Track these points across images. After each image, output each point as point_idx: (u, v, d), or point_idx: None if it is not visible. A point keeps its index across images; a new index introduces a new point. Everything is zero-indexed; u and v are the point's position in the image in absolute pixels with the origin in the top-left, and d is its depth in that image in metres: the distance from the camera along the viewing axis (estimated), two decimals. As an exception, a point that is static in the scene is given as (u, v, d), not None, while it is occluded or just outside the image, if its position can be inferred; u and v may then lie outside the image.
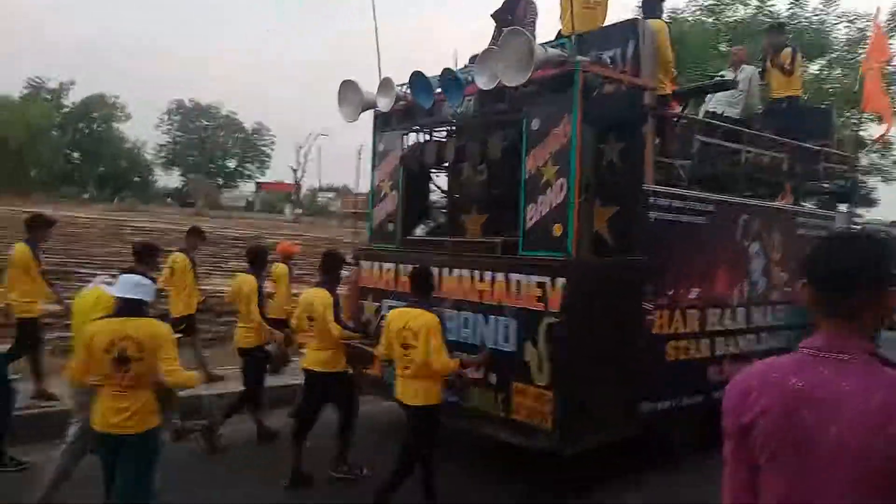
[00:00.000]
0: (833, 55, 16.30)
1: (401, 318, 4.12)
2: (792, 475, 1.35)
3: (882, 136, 8.82)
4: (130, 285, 3.30)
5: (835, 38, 16.64)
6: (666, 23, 5.42)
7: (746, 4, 17.21)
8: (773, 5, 16.98)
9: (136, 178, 57.60)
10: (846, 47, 16.52)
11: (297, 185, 55.32)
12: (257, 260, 5.59)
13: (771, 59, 7.12)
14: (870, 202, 19.02)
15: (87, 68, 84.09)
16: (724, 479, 1.48)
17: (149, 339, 3.16)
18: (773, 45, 7.24)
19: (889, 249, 1.38)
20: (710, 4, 17.33)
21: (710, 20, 17.10)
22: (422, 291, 4.20)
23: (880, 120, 9.99)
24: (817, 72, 16.24)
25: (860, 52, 15.53)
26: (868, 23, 16.03)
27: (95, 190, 50.13)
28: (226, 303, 5.72)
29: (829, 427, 1.31)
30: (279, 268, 7.33)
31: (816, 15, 16.73)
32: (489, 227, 5.74)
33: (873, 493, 1.26)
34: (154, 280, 5.39)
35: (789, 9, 16.85)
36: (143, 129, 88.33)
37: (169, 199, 51.18)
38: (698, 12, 17.57)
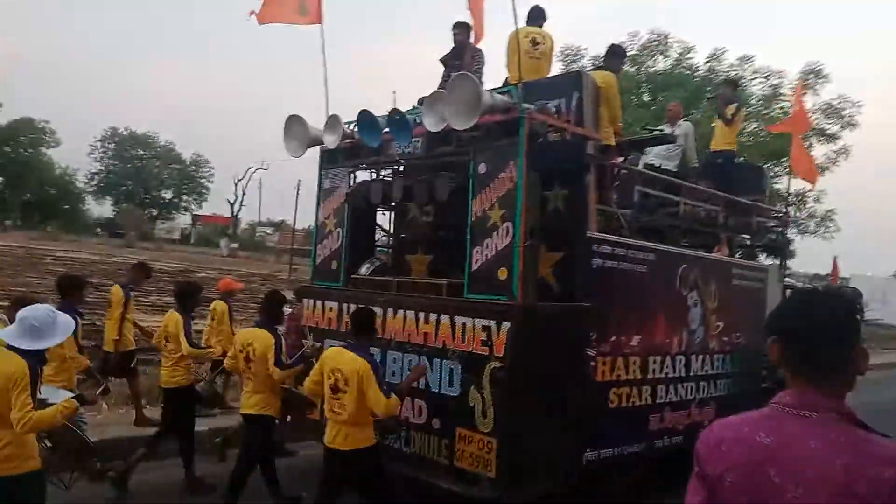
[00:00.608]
0: (749, 109, 16.96)
1: (334, 358, 4.07)
2: None
3: (811, 189, 9.47)
4: (24, 328, 3.08)
5: (751, 93, 17.39)
6: (615, 72, 5.68)
7: (667, 56, 17.95)
8: (691, 58, 17.93)
9: (65, 207, 55.15)
10: (761, 101, 17.36)
11: (235, 218, 54.38)
12: (184, 297, 5.39)
13: (718, 111, 7.57)
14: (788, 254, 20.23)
15: (14, 90, 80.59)
16: None
17: (2, 378, 2.96)
18: (724, 98, 7.70)
19: (859, 308, 1.42)
20: (633, 55, 17.94)
21: (632, 69, 17.72)
22: (360, 334, 4.16)
23: (794, 174, 10.47)
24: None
25: (774, 107, 16.56)
26: (780, 79, 17.22)
27: (20, 218, 47.44)
28: (153, 343, 5.46)
29: (794, 486, 1.31)
30: (219, 305, 7.12)
31: (734, 70, 17.49)
32: (434, 268, 5.75)
33: None
34: (80, 315, 5.16)
35: (707, 62, 17.81)
36: (75, 157, 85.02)
37: (99, 230, 48.95)
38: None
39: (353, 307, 5.36)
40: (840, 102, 17.47)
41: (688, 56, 17.95)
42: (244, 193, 54.44)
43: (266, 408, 4.58)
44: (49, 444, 3.43)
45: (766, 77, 17.67)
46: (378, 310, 5.16)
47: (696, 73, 17.54)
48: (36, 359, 3.11)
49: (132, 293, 6.65)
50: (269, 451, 4.59)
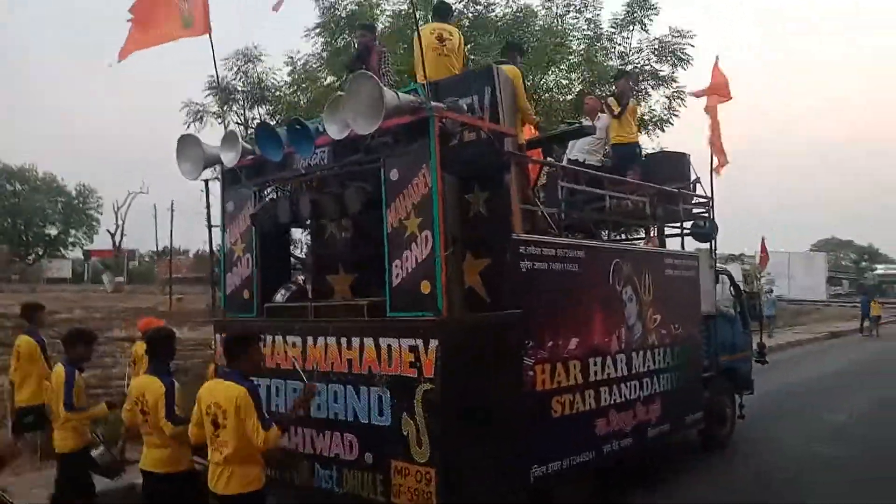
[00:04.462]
0: (573, 60, 13.98)
1: (210, 392, 3.86)
2: None
3: (719, 168, 9.08)
4: None
5: (573, 37, 14.27)
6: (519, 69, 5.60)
7: None
8: None
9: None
10: (583, 47, 14.14)
11: (117, 249, 51.39)
12: (71, 344, 4.90)
13: (626, 106, 7.61)
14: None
15: None
16: None
17: None
18: (631, 91, 7.74)
19: None
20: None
21: (419, 13, 12.50)
22: (233, 360, 3.98)
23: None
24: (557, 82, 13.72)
25: (595, 46, 14.01)
26: (597, 13, 14.16)
27: None
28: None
29: None
30: (140, 347, 6.72)
31: (546, 7, 14.21)
32: (359, 288, 5.50)
33: None
34: None
35: None
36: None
37: (-28, 275, 45.11)
38: (404, 4, 13.34)
39: (268, 340, 5.06)
40: (672, 37, 14.13)
41: None
42: (124, 221, 51.31)
43: (173, 465, 4.16)
44: None
45: (579, 11, 14.26)
46: (297, 339, 4.90)
47: (492, 11, 14.01)
48: None
49: (43, 339, 6.35)
50: None
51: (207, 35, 5.96)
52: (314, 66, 13.71)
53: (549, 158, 7.00)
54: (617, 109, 7.49)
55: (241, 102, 13.60)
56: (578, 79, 14.25)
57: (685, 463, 7.13)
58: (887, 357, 17.83)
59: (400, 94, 4.23)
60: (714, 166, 8.04)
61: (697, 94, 8.48)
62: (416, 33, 5.42)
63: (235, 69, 13.47)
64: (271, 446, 3.74)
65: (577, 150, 7.52)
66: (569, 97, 13.95)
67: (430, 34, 5.78)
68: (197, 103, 13.90)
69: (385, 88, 4.04)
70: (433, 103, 4.26)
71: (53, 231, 55.79)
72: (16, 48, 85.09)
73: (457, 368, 4.11)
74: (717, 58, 8.37)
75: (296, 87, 13.58)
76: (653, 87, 14.20)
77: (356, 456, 4.45)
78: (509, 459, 4.47)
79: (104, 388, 9.00)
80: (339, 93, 4.27)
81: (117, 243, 52.28)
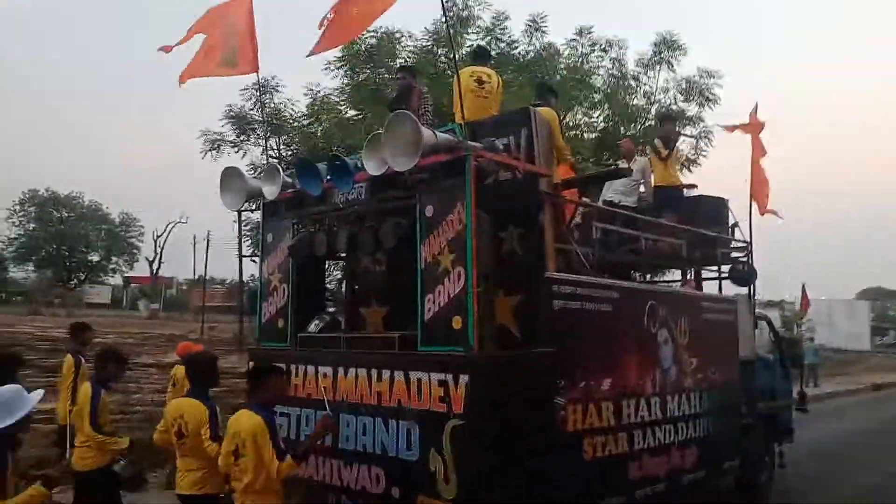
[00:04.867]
0: (596, 98, 14.06)
1: (236, 421, 3.97)
2: None
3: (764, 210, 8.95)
4: None
5: (598, 75, 14.34)
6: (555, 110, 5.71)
7: (471, 27, 13.86)
8: (504, 28, 14.00)
9: (-9, 275, 52.81)
10: (608, 86, 14.26)
11: (155, 276, 52.86)
12: (101, 363, 5.06)
13: (673, 149, 7.64)
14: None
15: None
16: None
17: None
18: (677, 135, 7.78)
19: None
20: (435, 32, 13.25)
21: (441, 51, 12.96)
22: (253, 391, 4.10)
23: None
24: (579, 121, 14.06)
25: (622, 87, 14.08)
26: (622, 50, 14.37)
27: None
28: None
29: None
30: (179, 370, 6.93)
31: (571, 46, 14.36)
32: (391, 321, 5.55)
33: None
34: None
35: (525, 32, 14.09)
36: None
37: (20, 298, 46.65)
38: (428, 41, 13.58)
39: (300, 369, 5.13)
40: (700, 77, 14.36)
41: (501, 26, 13.99)
42: (162, 250, 52.90)
43: (206, 486, 4.23)
44: None
45: (604, 50, 14.32)
46: (328, 370, 4.96)
47: (515, 48, 14.05)
48: None
49: (82, 358, 6.50)
50: None
51: (255, 74, 6.25)
52: (335, 98, 14.02)
53: (584, 199, 7.03)
54: (664, 153, 7.54)
55: (258, 132, 14.02)
56: (601, 116, 14.51)
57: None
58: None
59: (438, 133, 4.35)
60: (763, 210, 7.98)
61: (729, 129, 8.39)
62: (455, 75, 5.58)
63: (253, 99, 13.62)
64: (284, 476, 3.82)
65: (612, 191, 7.54)
66: (592, 135, 14.19)
67: (469, 77, 5.94)
68: (214, 132, 14.41)
69: (423, 127, 4.17)
70: (470, 143, 4.36)
71: (96, 257, 57.66)
72: (66, 80, 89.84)
73: (486, 405, 4.11)
74: (755, 105, 8.34)
75: (313, 118, 13.81)
76: (679, 128, 14.01)
77: (383, 490, 4.45)
78: (537, 500, 4.40)
79: (123, 413, 9.19)
80: (377, 131, 4.40)
81: (155, 271, 53.86)
